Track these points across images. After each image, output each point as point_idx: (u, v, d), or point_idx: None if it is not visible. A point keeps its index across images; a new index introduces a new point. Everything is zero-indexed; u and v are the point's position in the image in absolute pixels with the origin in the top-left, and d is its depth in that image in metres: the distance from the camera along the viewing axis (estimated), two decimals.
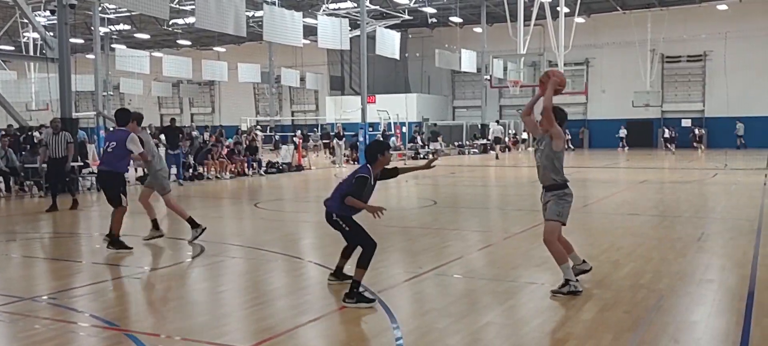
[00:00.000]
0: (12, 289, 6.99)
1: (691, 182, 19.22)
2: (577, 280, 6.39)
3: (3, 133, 20.83)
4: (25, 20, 29.50)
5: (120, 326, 5.52)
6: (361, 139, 28.58)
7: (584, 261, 6.88)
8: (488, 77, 38.64)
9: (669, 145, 37.13)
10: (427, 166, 6.98)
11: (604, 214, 12.64)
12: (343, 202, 6.16)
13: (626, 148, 40.79)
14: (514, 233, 10.17)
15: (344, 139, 29.59)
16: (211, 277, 7.62)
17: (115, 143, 8.94)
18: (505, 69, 34.93)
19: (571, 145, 40.48)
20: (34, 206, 15.06)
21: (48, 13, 30.27)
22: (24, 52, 36.42)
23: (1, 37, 37.73)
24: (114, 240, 8.91)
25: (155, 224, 9.57)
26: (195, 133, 27.98)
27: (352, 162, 28.83)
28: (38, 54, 32.70)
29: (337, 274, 6.82)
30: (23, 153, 18.65)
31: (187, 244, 9.35)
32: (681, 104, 43.59)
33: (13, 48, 41.69)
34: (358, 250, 6.26)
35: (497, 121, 40.91)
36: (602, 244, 9.13)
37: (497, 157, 33.76)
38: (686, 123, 41.81)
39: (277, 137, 41.19)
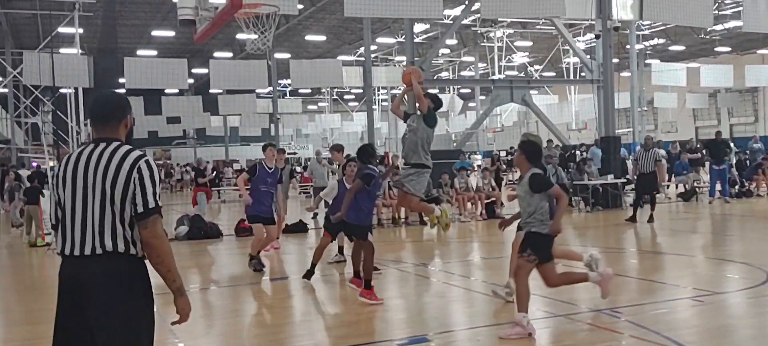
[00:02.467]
0: (577, 299, 7.33)
1: None
2: None
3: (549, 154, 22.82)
4: (566, 47, 32.03)
5: None
6: None
7: None
8: None
9: None
10: None
11: None
12: None
13: None
14: None
15: None
16: None
17: None
18: None
19: None
20: (581, 220, 16.01)
21: (588, 37, 32.30)
22: (564, 77, 39.69)
23: (546, 65, 41.98)
24: None
25: None
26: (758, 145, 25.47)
27: None
28: (577, 77, 35.14)
29: None
30: (569, 171, 20.00)
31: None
32: None
33: (554, 74, 45.83)
34: None
35: None
36: None
37: None
38: None
39: None
